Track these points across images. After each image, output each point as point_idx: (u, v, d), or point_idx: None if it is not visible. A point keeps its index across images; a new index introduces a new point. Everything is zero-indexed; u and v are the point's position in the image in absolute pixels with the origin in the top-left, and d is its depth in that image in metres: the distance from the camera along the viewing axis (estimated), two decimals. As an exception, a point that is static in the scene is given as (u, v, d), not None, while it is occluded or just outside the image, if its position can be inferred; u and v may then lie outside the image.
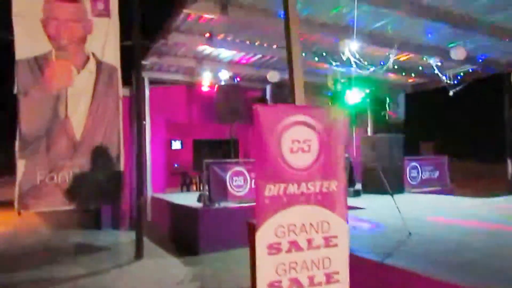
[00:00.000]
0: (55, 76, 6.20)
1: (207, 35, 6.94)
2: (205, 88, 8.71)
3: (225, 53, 8.30)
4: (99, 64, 6.48)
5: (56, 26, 6.23)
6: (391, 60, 7.20)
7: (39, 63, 6.12)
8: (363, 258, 3.20)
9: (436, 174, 10.04)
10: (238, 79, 9.08)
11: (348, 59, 6.78)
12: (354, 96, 10.56)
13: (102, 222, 9.11)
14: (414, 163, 9.67)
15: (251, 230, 4.27)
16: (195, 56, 8.33)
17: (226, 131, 15.33)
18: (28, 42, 6.06)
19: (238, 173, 7.26)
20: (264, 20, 6.23)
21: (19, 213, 5.92)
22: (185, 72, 9.51)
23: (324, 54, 7.50)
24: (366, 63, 7.11)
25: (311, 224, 2.73)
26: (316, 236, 2.73)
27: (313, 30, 6.73)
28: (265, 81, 9.28)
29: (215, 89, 8.45)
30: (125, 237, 8.23)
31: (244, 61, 8.74)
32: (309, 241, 2.71)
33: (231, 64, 8.78)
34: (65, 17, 6.29)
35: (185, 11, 5.65)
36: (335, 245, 2.78)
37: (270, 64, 8.70)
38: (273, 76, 8.22)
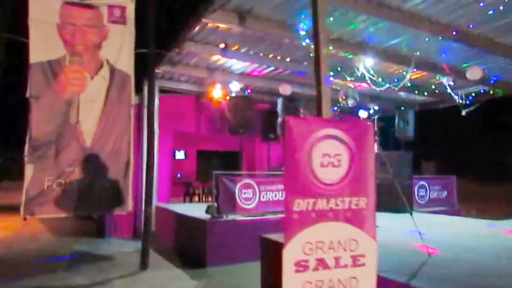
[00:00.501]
0: (68, 81, 6.15)
1: (222, 45, 6.90)
2: (215, 98, 8.66)
3: (237, 65, 8.29)
4: (112, 70, 6.44)
5: (72, 31, 6.20)
6: (408, 78, 7.16)
7: (52, 67, 6.07)
8: (388, 279, 3.09)
9: (444, 194, 9.93)
10: (249, 91, 9.05)
11: (363, 74, 6.74)
12: (363, 112, 10.58)
13: (105, 230, 8.96)
14: (422, 182, 9.57)
15: (265, 244, 4.17)
16: (207, 66, 8.31)
17: (230, 142, 15.25)
18: (42, 46, 6.03)
19: (247, 186, 7.15)
20: (280, 32, 6.21)
21: (25, 219, 5.81)
22: (195, 82, 9.49)
23: (339, 69, 7.47)
24: (380, 79, 7.07)
25: (339, 241, 2.64)
26: (344, 254, 2.64)
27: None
28: (275, 94, 9.25)
29: (226, 100, 8.40)
30: (129, 247, 8.08)
31: (255, 73, 8.72)
32: (337, 260, 2.61)
33: (242, 75, 8.76)
34: (81, 23, 6.27)
35: (203, 20, 5.61)
36: (363, 265, 2.68)
37: (282, 77, 8.67)
38: (285, 89, 8.19)
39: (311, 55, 6.95)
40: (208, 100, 9.51)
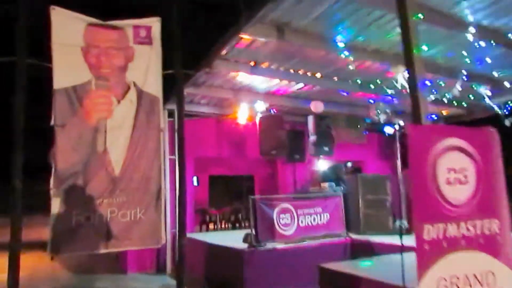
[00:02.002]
0: (94, 107, 5.73)
1: (252, 63, 6.58)
2: (241, 120, 8.27)
3: (262, 84, 7.97)
4: (140, 93, 6.03)
5: (97, 54, 5.83)
6: (457, 89, 6.82)
7: (78, 93, 5.67)
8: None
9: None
10: (274, 110, 8.68)
11: (403, 86, 6.39)
12: (389, 128, 10.17)
13: (127, 265, 8.39)
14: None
15: (324, 274, 3.74)
16: (232, 87, 7.97)
17: (242, 166, 14.83)
18: (67, 70, 5.65)
19: (285, 210, 6.69)
20: (318, 45, 5.90)
21: (52, 258, 5.29)
22: (215, 104, 9.14)
23: (378, 81, 7.12)
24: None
25: (474, 275, 2.16)
26: (481, 291, 2.16)
27: (365, 57, 6.39)
28: (300, 113, 8.91)
29: (254, 121, 8.01)
30: (155, 283, 7.53)
31: (281, 92, 8.38)
32: (474, 298, 2.14)
33: (267, 95, 8.43)
34: (107, 45, 5.91)
35: (241, 35, 5.29)
36: (503, 303, 2.19)
37: (311, 95, 8.34)
38: (318, 106, 7.82)
39: (350, 67, 6.68)
40: (231, 122, 9.14)
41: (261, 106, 8.24)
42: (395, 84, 6.52)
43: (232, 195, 17.68)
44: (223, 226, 13.69)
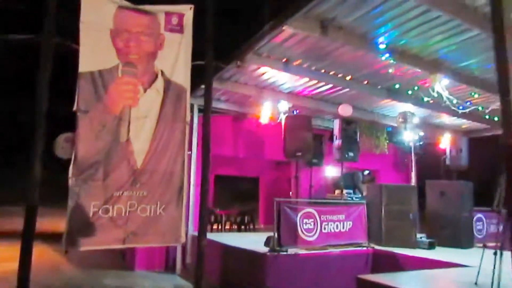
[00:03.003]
0: (119, 94, 5.43)
1: (284, 60, 6.31)
2: (263, 120, 7.97)
3: (288, 84, 7.69)
4: (167, 83, 5.73)
5: (126, 38, 5.52)
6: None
7: (104, 78, 5.36)
8: None
9: (501, 228, 9.14)
10: (297, 111, 8.40)
11: (439, 95, 6.13)
12: (409, 136, 9.88)
13: (135, 262, 8.05)
14: (479, 215, 8.81)
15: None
16: (256, 84, 7.68)
17: (249, 168, 14.51)
18: (94, 53, 5.34)
19: (308, 215, 6.39)
20: (359, 44, 5.65)
21: (67, 252, 4.97)
22: (235, 102, 8.85)
23: (416, 88, 6.86)
24: (455, 101, 6.45)
25: None
26: None
27: (403, 62, 6.13)
28: (327, 116, 8.63)
29: (278, 121, 7.72)
30: (166, 282, 7.22)
31: (305, 93, 8.11)
32: None
33: (291, 95, 8.14)
34: (137, 30, 5.60)
35: (284, 28, 5.01)
36: None
37: (336, 98, 8.07)
38: (346, 109, 7.54)
39: (390, 71, 6.42)
40: (248, 121, 8.86)
41: (284, 106, 7.95)
42: (432, 92, 6.25)
43: (238, 196, 17.40)
44: (228, 227, 13.41)
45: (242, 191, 18.41)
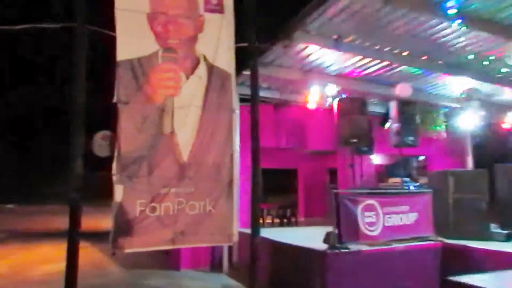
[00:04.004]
0: (161, 83, 5.00)
1: (335, 36, 5.69)
2: (311, 105, 7.38)
3: (335, 65, 7.06)
4: (210, 69, 5.25)
5: (164, 22, 5.08)
6: None
7: (143, 66, 4.95)
8: None
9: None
10: (346, 95, 7.76)
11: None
12: (470, 117, 8.96)
13: (179, 261, 7.70)
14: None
15: None
16: (301, 68, 7.09)
17: (286, 159, 13.92)
18: (131, 40, 4.94)
19: (369, 207, 5.77)
20: (423, 11, 4.96)
21: (114, 254, 4.60)
22: (277, 88, 8.30)
23: (489, 59, 6.07)
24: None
25: None
26: None
27: (475, 29, 5.38)
28: (377, 98, 7.94)
29: (331, 106, 7.11)
30: (213, 282, 6.82)
31: (355, 74, 7.46)
32: None
33: (339, 77, 7.50)
34: (175, 12, 5.15)
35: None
36: None
37: (390, 77, 7.35)
38: (404, 89, 6.83)
39: (461, 39, 5.67)
40: (290, 109, 8.31)
41: (332, 90, 7.32)
42: (508, 62, 5.48)
43: (277, 189, 16.89)
44: (270, 221, 12.98)
45: (280, 184, 17.91)
